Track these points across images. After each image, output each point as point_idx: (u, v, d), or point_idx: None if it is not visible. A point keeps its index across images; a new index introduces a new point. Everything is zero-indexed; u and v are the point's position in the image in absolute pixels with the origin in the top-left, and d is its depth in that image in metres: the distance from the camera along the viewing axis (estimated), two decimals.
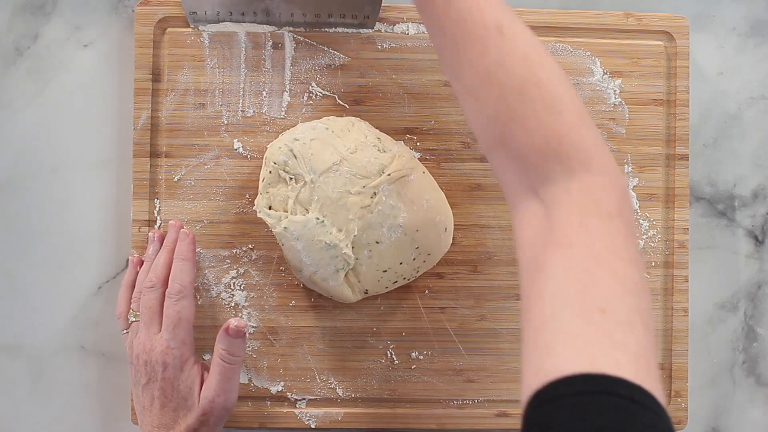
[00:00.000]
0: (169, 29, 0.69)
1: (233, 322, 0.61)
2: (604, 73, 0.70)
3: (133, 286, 0.66)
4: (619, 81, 0.70)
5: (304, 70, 0.69)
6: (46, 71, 0.71)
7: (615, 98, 0.70)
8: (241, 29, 0.69)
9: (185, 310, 0.63)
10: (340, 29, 0.69)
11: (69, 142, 0.71)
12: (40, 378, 0.70)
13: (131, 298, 0.66)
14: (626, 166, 0.70)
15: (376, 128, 0.68)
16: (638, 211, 0.70)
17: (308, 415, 0.69)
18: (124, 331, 0.65)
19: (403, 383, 0.69)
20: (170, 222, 0.68)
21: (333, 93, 0.69)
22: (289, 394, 0.69)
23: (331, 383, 0.69)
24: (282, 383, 0.69)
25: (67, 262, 0.70)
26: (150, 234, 0.67)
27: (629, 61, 0.70)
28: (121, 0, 0.72)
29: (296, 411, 0.69)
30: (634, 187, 0.70)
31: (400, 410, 0.70)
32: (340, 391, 0.69)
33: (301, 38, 0.69)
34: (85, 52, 0.71)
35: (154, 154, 0.69)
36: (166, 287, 0.64)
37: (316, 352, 0.69)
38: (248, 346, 0.69)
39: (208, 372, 0.63)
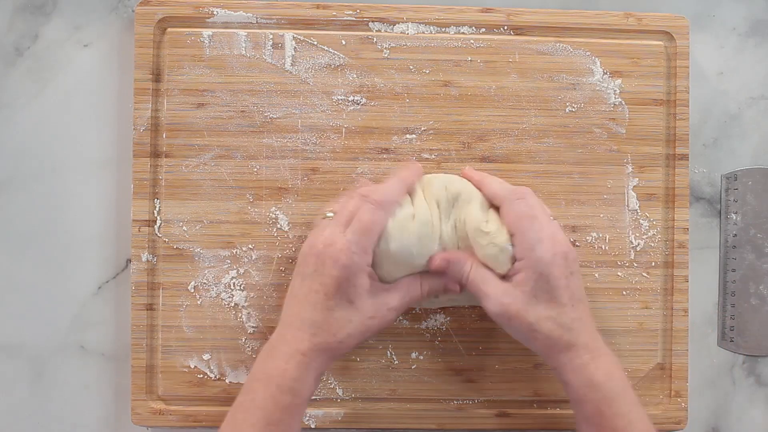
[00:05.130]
0: (169, 29, 0.69)
1: (441, 254, 0.62)
2: (604, 73, 0.70)
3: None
4: (619, 81, 0.70)
5: (304, 70, 0.69)
6: (46, 71, 0.71)
7: (615, 98, 0.70)
8: (241, 29, 0.69)
9: (379, 222, 0.60)
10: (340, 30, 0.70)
11: (69, 142, 0.71)
12: (40, 378, 0.70)
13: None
14: (626, 166, 0.70)
15: (376, 128, 0.69)
16: (638, 211, 0.70)
17: (308, 415, 0.69)
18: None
19: (403, 383, 0.69)
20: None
21: (334, 93, 0.69)
22: None
23: (331, 383, 0.69)
24: None
25: (67, 262, 0.70)
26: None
27: (629, 61, 0.70)
28: (121, 0, 0.72)
29: None
30: (634, 187, 0.70)
31: (400, 410, 0.70)
32: (340, 391, 0.69)
33: (301, 38, 0.69)
34: (85, 52, 0.71)
35: (154, 154, 0.69)
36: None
37: None
38: (248, 347, 0.69)
39: (380, 289, 0.61)
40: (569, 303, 0.60)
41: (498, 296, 0.60)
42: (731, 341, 0.73)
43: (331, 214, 0.62)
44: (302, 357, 0.58)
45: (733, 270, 0.73)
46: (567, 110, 0.70)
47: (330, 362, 0.60)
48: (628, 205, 0.70)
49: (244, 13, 0.69)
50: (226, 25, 0.69)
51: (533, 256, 0.60)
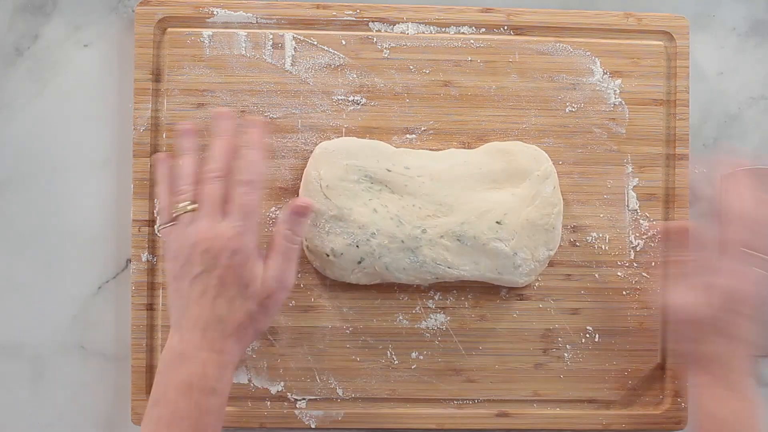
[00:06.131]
0: (169, 29, 0.69)
1: (299, 200, 0.61)
2: (604, 73, 0.70)
3: (169, 180, 0.62)
4: (619, 81, 0.70)
5: (304, 70, 0.69)
6: (46, 71, 0.71)
7: (615, 98, 0.70)
8: (241, 29, 0.69)
9: (257, 200, 0.60)
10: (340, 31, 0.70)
11: (69, 142, 0.71)
12: (40, 378, 0.70)
13: (174, 191, 0.61)
14: (626, 166, 0.70)
15: (376, 128, 0.69)
16: (638, 211, 0.70)
17: (308, 415, 0.69)
18: (164, 226, 0.61)
19: (403, 383, 0.69)
20: (217, 110, 0.63)
21: (334, 93, 0.69)
22: (289, 394, 0.69)
23: (331, 383, 0.69)
24: (282, 383, 0.69)
25: (67, 262, 0.70)
26: (181, 127, 0.63)
27: (629, 61, 0.70)
28: (121, 0, 0.72)
29: (296, 411, 0.69)
30: (634, 187, 0.70)
31: (400, 410, 0.70)
32: (340, 391, 0.69)
33: (301, 38, 0.69)
34: (85, 52, 0.71)
35: (154, 154, 0.69)
36: (227, 176, 0.61)
37: (316, 352, 0.69)
38: (248, 347, 0.68)
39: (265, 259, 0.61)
40: (744, 339, 0.61)
41: (691, 295, 0.62)
42: None
43: (192, 206, 0.60)
44: (219, 356, 0.57)
45: None
46: (567, 110, 0.70)
47: (244, 350, 0.60)
48: (628, 205, 0.70)
49: (244, 13, 0.69)
50: (226, 25, 0.69)
51: (736, 280, 0.61)
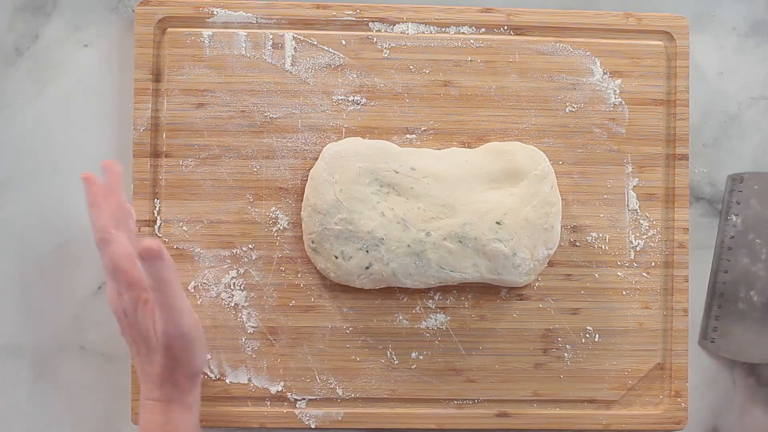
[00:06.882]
0: (169, 29, 0.69)
1: (145, 243, 0.56)
2: (604, 73, 0.70)
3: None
4: (619, 81, 0.70)
5: (304, 70, 0.69)
6: (46, 71, 0.71)
7: (615, 98, 0.70)
8: (241, 29, 0.69)
9: (115, 253, 0.60)
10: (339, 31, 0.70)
11: (69, 142, 0.71)
12: (40, 378, 0.70)
13: None
14: (626, 166, 0.70)
15: (376, 128, 0.69)
16: (638, 211, 0.70)
17: (308, 415, 0.69)
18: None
19: (403, 383, 0.69)
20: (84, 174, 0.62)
21: (334, 93, 0.69)
22: (289, 394, 0.69)
23: (331, 383, 0.69)
24: (282, 383, 0.69)
25: (67, 262, 0.70)
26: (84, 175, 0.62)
27: (629, 61, 0.70)
28: (121, 0, 0.72)
29: (296, 411, 0.69)
30: (634, 187, 0.70)
31: (400, 410, 0.70)
32: (340, 391, 0.69)
33: (301, 38, 0.69)
34: (85, 52, 0.71)
35: (154, 154, 0.69)
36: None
37: (316, 352, 0.69)
38: (248, 347, 0.69)
39: None
40: None
41: None
42: (712, 342, 0.72)
43: None
44: (160, 403, 0.62)
45: (725, 271, 0.72)
46: (567, 110, 0.70)
47: (188, 391, 0.62)
48: (628, 205, 0.70)
49: (244, 13, 0.69)
50: (226, 25, 0.69)
51: None
